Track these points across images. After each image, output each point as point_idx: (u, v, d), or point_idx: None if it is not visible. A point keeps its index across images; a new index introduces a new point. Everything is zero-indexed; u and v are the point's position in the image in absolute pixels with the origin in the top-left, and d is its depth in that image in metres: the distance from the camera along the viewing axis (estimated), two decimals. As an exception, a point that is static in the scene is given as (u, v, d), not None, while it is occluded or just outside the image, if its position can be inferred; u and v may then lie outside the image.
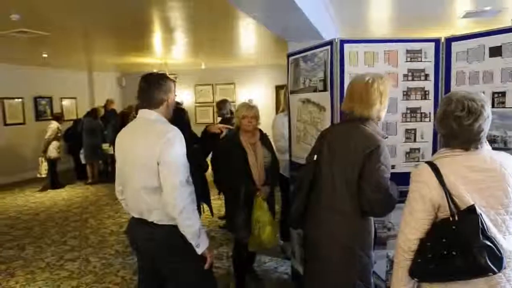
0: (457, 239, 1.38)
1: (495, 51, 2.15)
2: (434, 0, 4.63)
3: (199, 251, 1.88)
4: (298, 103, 2.84)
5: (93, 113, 7.78)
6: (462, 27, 5.91)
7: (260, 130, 3.07)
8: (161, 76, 1.98)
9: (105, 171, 8.14)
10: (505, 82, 2.11)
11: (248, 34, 5.95)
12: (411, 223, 1.49)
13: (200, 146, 2.82)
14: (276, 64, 9.03)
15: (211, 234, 4.58)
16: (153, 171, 1.82)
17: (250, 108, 2.95)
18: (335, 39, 2.40)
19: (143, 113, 1.95)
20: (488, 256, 1.33)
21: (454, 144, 1.49)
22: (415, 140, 2.41)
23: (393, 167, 2.40)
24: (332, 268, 1.93)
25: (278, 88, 9.59)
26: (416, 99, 2.39)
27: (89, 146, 7.53)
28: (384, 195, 1.80)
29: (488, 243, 1.34)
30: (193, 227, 1.84)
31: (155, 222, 1.90)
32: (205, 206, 3.21)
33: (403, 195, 2.01)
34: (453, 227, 1.38)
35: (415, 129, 2.40)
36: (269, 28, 3.93)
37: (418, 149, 2.42)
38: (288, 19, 3.27)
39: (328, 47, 2.44)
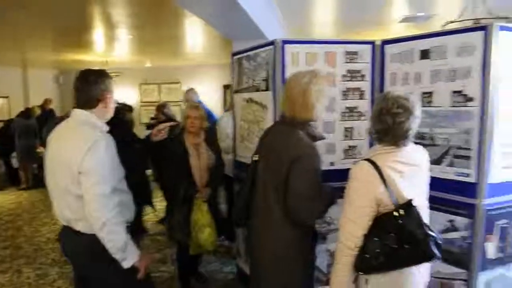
0: (404, 232, 1.48)
1: (425, 54, 2.29)
2: (375, 5, 4.88)
3: (126, 265, 1.76)
4: (242, 103, 2.85)
5: (26, 112, 7.26)
6: (399, 30, 6.27)
7: (206, 131, 3.03)
8: (97, 74, 1.84)
9: (40, 176, 7.62)
10: (432, 83, 2.25)
11: (195, 32, 5.87)
12: (356, 221, 1.54)
13: (143, 147, 2.72)
14: (224, 63, 8.99)
15: (156, 237, 4.46)
16: (76, 179, 1.69)
17: (194, 108, 2.90)
18: (276, 39, 2.43)
19: (74, 113, 1.82)
20: (434, 244, 1.47)
21: (386, 141, 1.59)
22: (352, 138, 2.51)
23: (332, 164, 2.50)
24: (262, 271, 1.95)
25: (226, 88, 9.56)
26: (353, 99, 2.49)
27: (23, 148, 7.01)
28: (307, 203, 1.79)
29: (430, 232, 1.48)
30: (116, 241, 1.71)
31: (81, 231, 1.78)
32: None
33: (341, 191, 2.08)
34: (399, 221, 1.49)
35: (352, 127, 2.49)
36: (213, 28, 3.91)
37: (356, 146, 2.52)
38: (232, 19, 3.27)
39: (270, 47, 2.46)
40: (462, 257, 2.20)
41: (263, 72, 2.54)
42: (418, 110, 1.60)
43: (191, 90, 4.79)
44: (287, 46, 2.40)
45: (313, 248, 2.04)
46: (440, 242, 1.51)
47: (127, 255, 1.76)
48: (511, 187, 2.19)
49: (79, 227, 1.78)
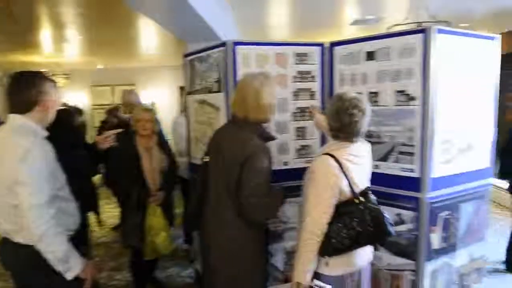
0: (366, 216, 1.68)
1: (370, 55, 2.38)
2: (327, 8, 5.01)
3: (69, 276, 1.68)
4: (195, 104, 2.82)
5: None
6: (352, 33, 6.49)
7: (158, 134, 2.97)
8: (30, 76, 1.72)
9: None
10: (378, 83, 2.35)
11: (149, 33, 5.74)
12: (322, 209, 1.68)
13: (91, 153, 2.62)
14: (180, 65, 8.85)
15: (111, 245, 4.30)
16: (11, 190, 1.60)
17: (145, 111, 2.84)
18: (228, 41, 2.43)
19: (9, 119, 1.70)
20: (389, 224, 1.72)
21: (342, 137, 1.76)
22: (305, 138, 2.56)
23: (286, 163, 2.53)
24: (216, 272, 1.95)
25: (182, 89, 9.38)
26: (304, 99, 2.54)
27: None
28: (259, 201, 1.82)
29: (385, 214, 1.71)
30: (57, 252, 1.63)
31: (21, 242, 1.69)
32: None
33: (296, 190, 2.13)
34: (361, 207, 1.69)
35: (304, 127, 2.54)
36: (166, 29, 3.84)
37: (308, 146, 2.57)
38: (184, 21, 3.23)
39: (222, 48, 2.46)
40: (409, 249, 2.31)
41: (215, 73, 2.53)
42: (368, 110, 1.78)
43: (130, 91, 4.44)
44: (238, 47, 2.40)
45: (267, 247, 2.07)
46: (392, 222, 1.75)
47: (70, 265, 1.68)
48: (451, 180, 2.33)
49: (18, 238, 1.69)
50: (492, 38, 2.51)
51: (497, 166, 4.44)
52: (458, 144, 2.33)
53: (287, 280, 2.54)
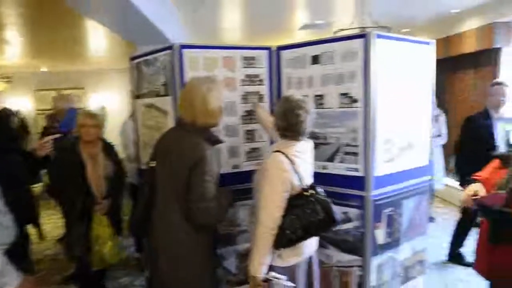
0: (318, 207, 1.80)
1: (315, 59, 2.44)
2: (278, 13, 5.10)
3: None
4: (143, 108, 2.75)
5: None
6: (301, 37, 6.65)
7: (104, 140, 2.87)
8: None
9: None
10: (323, 86, 2.42)
11: (95, 35, 5.53)
12: (276, 204, 1.78)
13: (28, 160, 2.47)
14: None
15: (57, 257, 4.08)
16: None
17: (89, 116, 2.72)
18: (174, 44, 2.40)
19: None
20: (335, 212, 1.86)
21: (289, 136, 1.88)
22: (255, 140, 2.58)
23: (236, 166, 2.54)
24: (165, 278, 1.92)
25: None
26: (253, 103, 2.56)
27: None
28: (208, 205, 1.82)
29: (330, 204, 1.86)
30: None
31: None
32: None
33: (248, 193, 2.14)
34: (311, 199, 1.81)
35: (254, 130, 2.56)
36: (112, 31, 3.73)
37: (258, 149, 2.60)
38: (129, 23, 3.15)
39: (169, 51, 2.42)
40: (356, 245, 2.40)
41: (162, 77, 2.49)
42: (312, 111, 1.92)
43: (62, 96, 4.22)
44: (185, 51, 2.38)
45: (216, 251, 2.06)
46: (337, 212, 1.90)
47: (6, 281, 1.57)
48: (394, 178, 2.44)
49: None
50: (428, 43, 2.67)
51: (451, 161, 4.74)
52: (399, 143, 2.46)
53: (240, 283, 2.55)
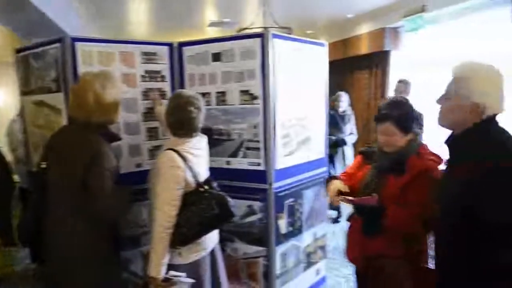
0: (212, 201, 1.80)
1: (217, 57, 2.48)
2: (187, 9, 5.04)
3: None
4: (32, 106, 2.52)
5: None
6: (211, 34, 6.67)
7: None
8: None
9: None
10: (224, 83, 2.46)
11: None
12: (171, 202, 1.74)
13: None
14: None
15: None
16: None
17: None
18: (65, 36, 2.24)
19: None
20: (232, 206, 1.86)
21: (181, 133, 1.83)
22: (157, 138, 2.53)
23: (138, 165, 2.47)
24: (62, 284, 1.82)
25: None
26: (153, 99, 2.50)
27: None
28: (105, 203, 1.76)
29: (228, 198, 1.85)
30: None
31: None
32: None
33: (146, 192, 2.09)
34: (206, 194, 1.81)
35: (156, 128, 2.51)
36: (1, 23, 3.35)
37: (161, 146, 2.54)
38: (20, 14, 2.86)
39: (59, 44, 2.25)
40: (261, 236, 2.50)
41: (53, 72, 2.31)
42: (203, 107, 1.89)
43: None
44: (78, 44, 2.23)
45: (117, 253, 1.99)
46: (233, 205, 1.89)
47: None
48: (293, 171, 2.59)
49: None
50: (322, 45, 2.88)
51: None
52: (297, 138, 2.61)
53: (146, 285, 2.49)
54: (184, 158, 1.78)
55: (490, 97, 1.38)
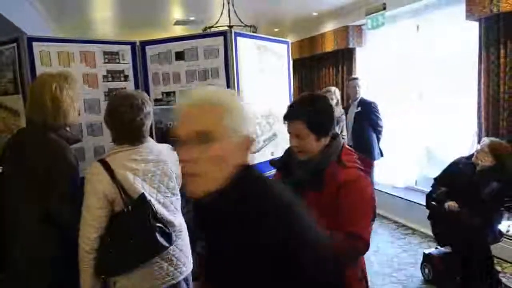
0: (131, 227, 1.49)
1: (180, 56, 2.47)
2: (148, 7, 4.96)
3: None
4: (-13, 109, 2.43)
5: None
6: (178, 32, 6.60)
7: None
8: None
9: None
10: (189, 82, 2.47)
11: None
12: (91, 223, 1.50)
13: None
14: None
15: None
16: None
17: None
18: (21, 36, 2.18)
19: None
20: (161, 235, 1.52)
21: (121, 139, 1.60)
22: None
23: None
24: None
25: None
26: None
27: None
28: (70, 205, 1.68)
29: (158, 224, 1.53)
30: None
31: None
32: None
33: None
34: (127, 217, 1.50)
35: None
36: None
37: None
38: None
39: (15, 44, 2.18)
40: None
41: (9, 73, 2.24)
42: (148, 107, 1.62)
43: None
44: (35, 44, 2.17)
45: (73, 258, 1.93)
46: (169, 231, 1.56)
47: None
48: (261, 168, 2.61)
49: None
50: (285, 42, 2.92)
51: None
52: (264, 135, 2.65)
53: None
54: (112, 172, 1.50)
55: None
